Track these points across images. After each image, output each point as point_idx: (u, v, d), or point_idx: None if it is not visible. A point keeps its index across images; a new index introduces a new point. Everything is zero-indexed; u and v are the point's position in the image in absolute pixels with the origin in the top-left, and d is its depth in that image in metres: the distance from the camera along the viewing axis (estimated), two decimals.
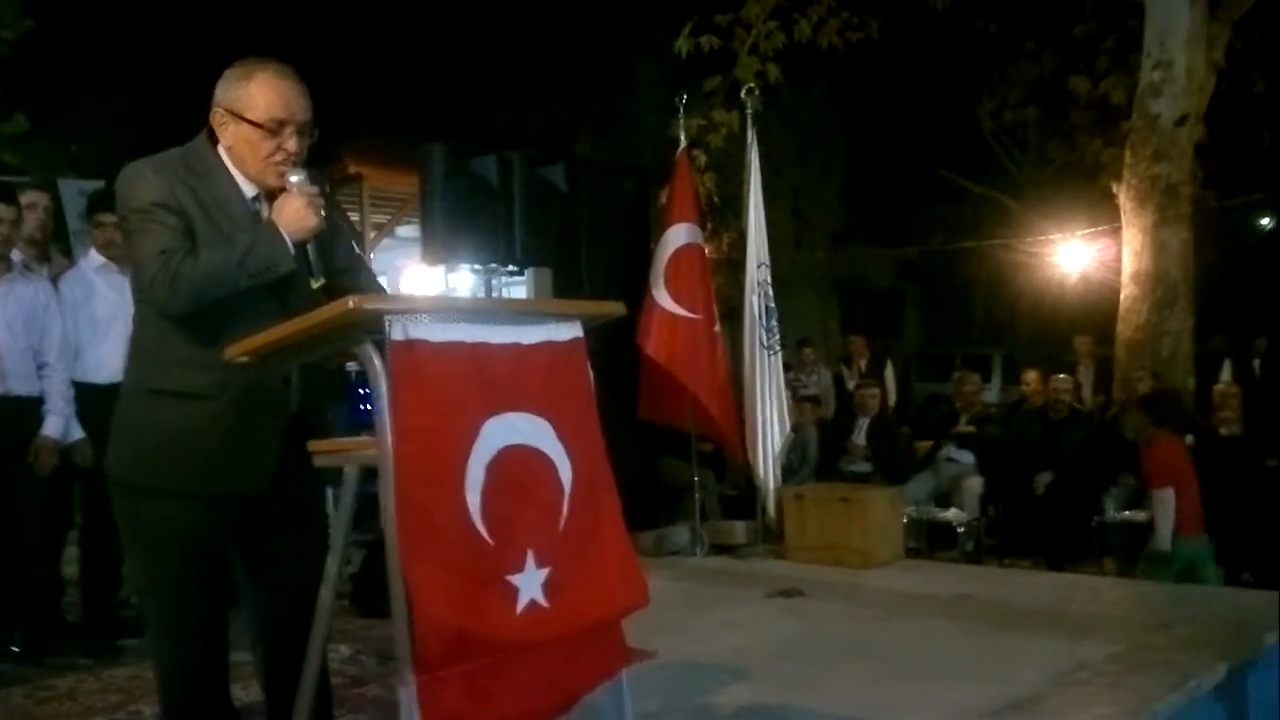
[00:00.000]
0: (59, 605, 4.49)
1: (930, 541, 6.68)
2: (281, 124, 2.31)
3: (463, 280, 8.00)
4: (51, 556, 4.40)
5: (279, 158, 2.32)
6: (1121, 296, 8.11)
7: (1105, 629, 4.27)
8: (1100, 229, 11.71)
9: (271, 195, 2.37)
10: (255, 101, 2.30)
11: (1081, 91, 11.28)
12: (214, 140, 2.37)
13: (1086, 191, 12.23)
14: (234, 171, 2.36)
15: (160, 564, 2.35)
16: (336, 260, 2.42)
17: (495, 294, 6.27)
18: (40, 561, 4.27)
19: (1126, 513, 6.40)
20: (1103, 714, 3.25)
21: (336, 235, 2.43)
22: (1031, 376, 8.10)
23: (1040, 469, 6.86)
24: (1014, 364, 13.31)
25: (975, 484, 7.00)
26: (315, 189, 2.29)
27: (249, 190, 2.37)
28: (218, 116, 2.35)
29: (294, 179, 2.29)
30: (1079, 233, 12.67)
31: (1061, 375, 7.57)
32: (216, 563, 2.39)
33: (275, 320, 2.13)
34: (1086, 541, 6.46)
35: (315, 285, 2.29)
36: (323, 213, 2.28)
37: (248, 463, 2.32)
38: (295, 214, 2.26)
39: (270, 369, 2.23)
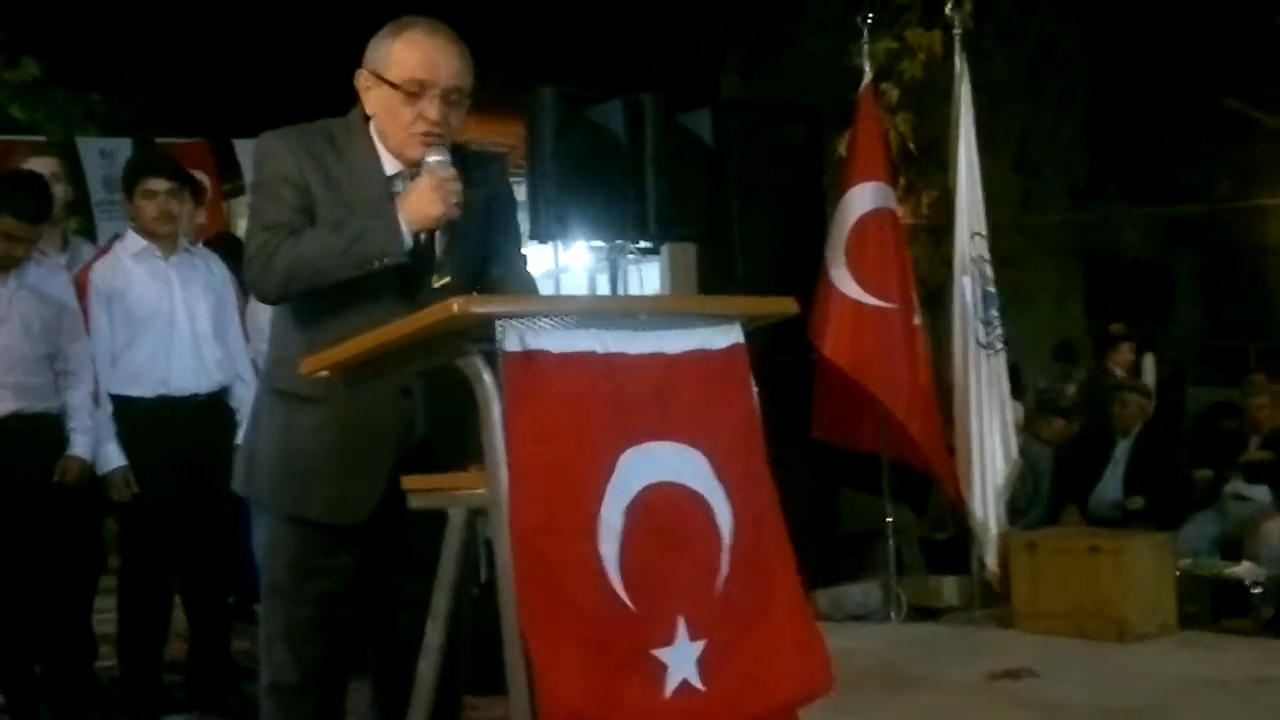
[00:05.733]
0: (92, 669, 4.73)
1: (1214, 606, 6.49)
2: (422, 86, 2.53)
3: (578, 259, 8.16)
4: (82, 608, 4.66)
5: (419, 127, 2.54)
6: None
7: None
8: None
9: (415, 174, 2.58)
10: (396, 60, 2.55)
11: None
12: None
13: None
14: (378, 145, 2.62)
15: (272, 595, 2.69)
16: (487, 248, 2.66)
17: (622, 279, 6.40)
18: (69, 615, 4.53)
19: None
20: None
21: (493, 222, 2.68)
22: None
23: None
24: None
25: (1276, 528, 6.78)
26: (452, 173, 2.50)
27: (390, 167, 2.61)
28: (361, 79, 2.61)
29: (431, 159, 2.50)
30: None
31: None
32: (330, 605, 2.66)
33: (402, 316, 2.32)
34: None
35: (437, 283, 2.48)
36: (456, 200, 2.48)
37: (349, 486, 2.56)
38: (419, 199, 2.48)
39: (357, 386, 2.39)
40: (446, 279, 2.49)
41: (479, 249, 2.66)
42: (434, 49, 2.55)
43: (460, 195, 2.49)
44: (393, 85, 2.54)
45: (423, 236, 2.51)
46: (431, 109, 2.53)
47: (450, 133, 2.58)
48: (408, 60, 2.54)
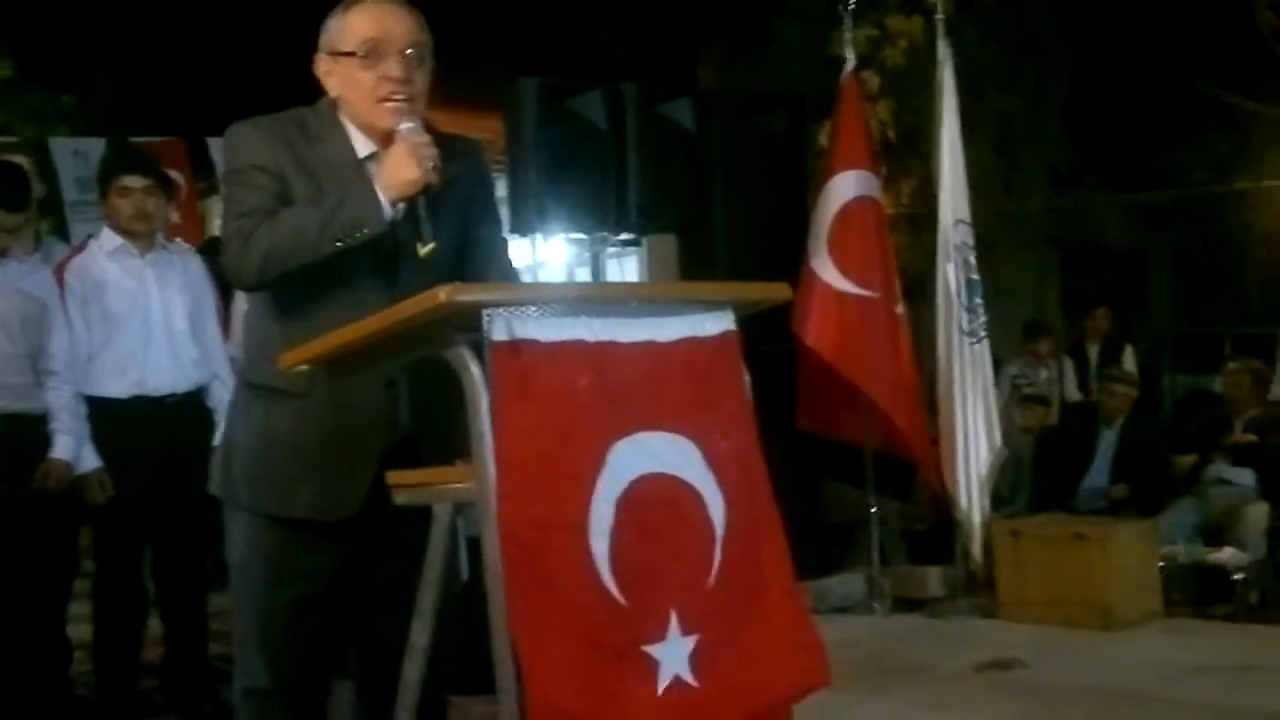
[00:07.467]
0: (67, 675, 4.69)
1: (1198, 593, 6.50)
2: (375, 45, 2.49)
3: (556, 252, 8.10)
4: (57, 614, 4.60)
5: (384, 90, 2.49)
6: None
7: None
8: None
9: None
10: (347, 30, 2.52)
11: None
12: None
13: None
14: (350, 129, 2.58)
15: (247, 598, 2.64)
16: (469, 232, 2.63)
17: (602, 272, 6.36)
18: (44, 621, 4.48)
19: None
20: None
21: (473, 205, 2.66)
22: None
23: None
24: None
25: (1258, 514, 6.79)
26: (426, 138, 2.45)
27: (363, 149, 2.57)
28: (320, 65, 2.58)
29: (403, 126, 2.46)
30: None
31: None
32: (308, 608, 2.60)
33: (382, 304, 2.29)
34: None
35: (423, 251, 2.44)
36: (433, 165, 2.43)
37: (334, 481, 2.51)
38: (395, 166, 2.43)
39: (339, 379, 2.34)
40: (432, 244, 2.43)
41: (460, 231, 2.61)
42: (382, 11, 2.52)
43: (437, 160, 2.44)
44: (349, 54, 2.51)
45: (401, 208, 2.45)
46: (394, 67, 2.49)
47: (416, 94, 2.53)
48: (358, 26, 2.51)
